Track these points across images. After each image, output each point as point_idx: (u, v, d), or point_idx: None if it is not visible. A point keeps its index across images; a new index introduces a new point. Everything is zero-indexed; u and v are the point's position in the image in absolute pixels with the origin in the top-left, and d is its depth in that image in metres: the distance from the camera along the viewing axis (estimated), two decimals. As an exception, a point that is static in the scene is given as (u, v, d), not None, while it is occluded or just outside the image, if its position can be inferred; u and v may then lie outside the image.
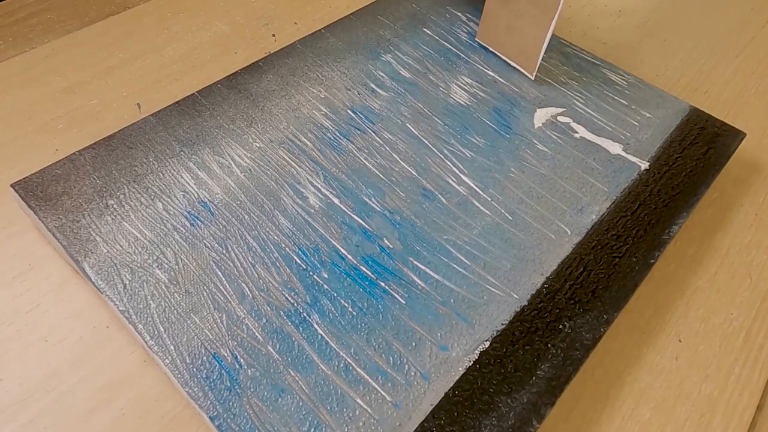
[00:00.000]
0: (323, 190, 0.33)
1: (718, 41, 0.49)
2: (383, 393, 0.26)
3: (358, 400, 0.25)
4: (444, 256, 0.30)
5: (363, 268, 0.30)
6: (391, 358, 0.27)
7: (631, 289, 0.30)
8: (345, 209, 0.32)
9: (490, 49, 0.42)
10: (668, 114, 0.38)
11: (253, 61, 0.39)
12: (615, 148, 0.36)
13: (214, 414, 0.25)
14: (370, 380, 0.26)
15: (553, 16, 0.36)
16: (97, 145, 0.34)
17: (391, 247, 0.31)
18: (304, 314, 0.28)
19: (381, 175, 0.34)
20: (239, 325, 0.27)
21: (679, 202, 0.34)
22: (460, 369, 0.27)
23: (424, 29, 0.43)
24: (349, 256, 0.30)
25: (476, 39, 0.42)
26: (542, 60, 0.41)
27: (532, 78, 0.40)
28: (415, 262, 0.30)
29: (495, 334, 0.28)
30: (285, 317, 0.28)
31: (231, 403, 0.25)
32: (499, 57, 0.42)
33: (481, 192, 0.33)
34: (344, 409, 0.25)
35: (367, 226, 0.31)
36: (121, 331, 0.29)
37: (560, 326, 0.28)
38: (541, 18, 0.37)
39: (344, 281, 0.29)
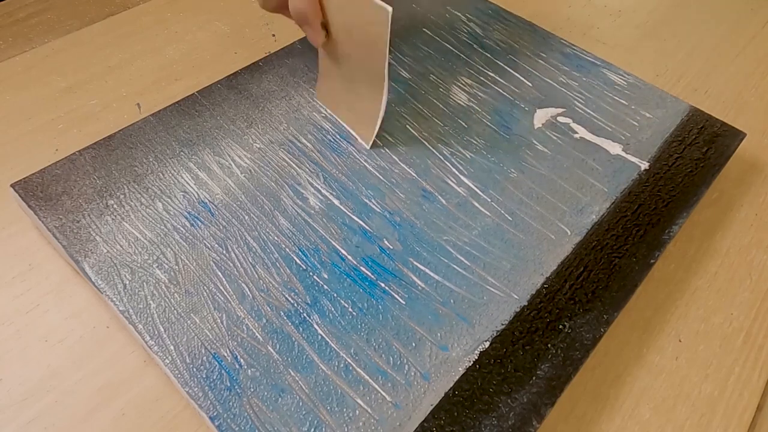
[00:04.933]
0: (323, 191, 0.33)
1: (718, 41, 0.49)
2: (383, 393, 0.26)
3: (358, 400, 0.25)
4: (444, 257, 0.30)
5: (363, 269, 0.30)
6: (391, 358, 0.27)
7: (631, 289, 0.30)
8: (345, 210, 0.32)
9: (329, 111, 0.37)
10: (668, 114, 0.38)
11: (253, 61, 0.39)
12: (615, 148, 0.36)
13: (214, 414, 0.25)
14: (370, 380, 0.26)
15: (383, 78, 0.31)
16: (97, 145, 0.34)
17: (391, 247, 0.31)
18: (304, 314, 0.28)
19: (381, 176, 0.34)
20: (239, 325, 0.27)
21: (679, 202, 0.34)
22: (460, 369, 0.27)
23: (424, 29, 0.43)
24: (349, 257, 0.30)
25: (316, 98, 0.37)
26: (541, 61, 0.41)
27: (368, 147, 0.35)
28: (415, 263, 0.30)
29: (495, 334, 0.28)
30: (285, 317, 0.28)
31: (231, 403, 0.25)
32: (496, 60, 0.42)
33: (480, 193, 0.33)
34: (344, 409, 0.25)
35: (367, 227, 0.31)
36: (121, 331, 0.29)
37: (560, 326, 0.28)
38: (373, 81, 0.32)
39: (344, 282, 0.29)
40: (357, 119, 0.35)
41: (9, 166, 0.35)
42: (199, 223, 0.31)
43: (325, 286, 0.29)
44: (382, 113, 0.33)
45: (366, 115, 0.34)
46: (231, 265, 0.29)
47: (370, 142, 0.35)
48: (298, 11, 0.31)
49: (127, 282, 0.28)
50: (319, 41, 0.33)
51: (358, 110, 0.35)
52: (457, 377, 0.26)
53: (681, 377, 0.30)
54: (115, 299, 0.28)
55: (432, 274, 0.30)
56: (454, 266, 0.30)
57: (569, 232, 0.32)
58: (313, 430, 0.25)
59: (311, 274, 0.29)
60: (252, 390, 0.25)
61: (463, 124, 0.37)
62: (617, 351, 0.30)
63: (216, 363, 0.26)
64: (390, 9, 0.28)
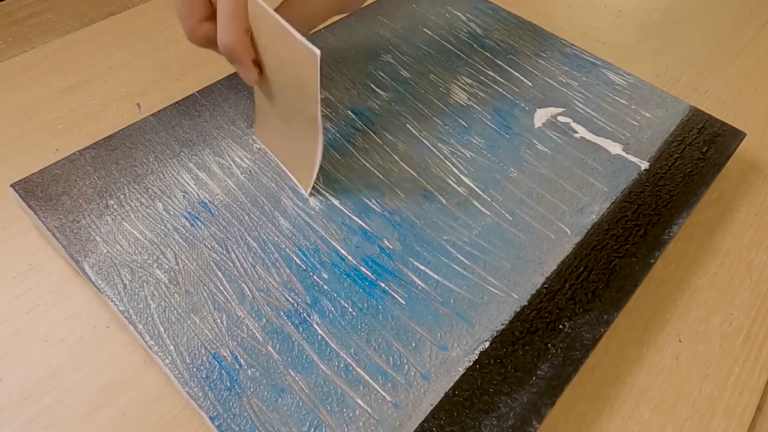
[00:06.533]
0: (323, 190, 0.33)
1: (718, 41, 0.49)
2: (383, 393, 0.26)
3: (358, 400, 0.25)
4: (444, 257, 0.30)
5: (363, 269, 0.30)
6: (391, 358, 0.27)
7: (631, 289, 0.30)
8: (345, 210, 0.32)
9: (269, 152, 0.34)
10: (668, 114, 0.38)
11: (253, 61, 0.39)
12: (615, 148, 0.36)
13: (214, 414, 0.25)
14: (370, 380, 0.26)
15: (317, 124, 0.29)
16: (97, 145, 0.34)
17: (391, 247, 0.31)
18: (304, 314, 0.28)
19: (381, 176, 0.34)
20: (239, 325, 0.27)
21: (679, 202, 0.34)
22: (460, 369, 0.27)
23: (424, 29, 0.43)
24: (349, 257, 0.30)
25: (255, 136, 0.35)
26: (541, 60, 0.41)
27: (307, 195, 0.32)
28: (415, 263, 0.30)
29: (495, 334, 0.28)
30: (285, 317, 0.28)
31: (231, 403, 0.25)
32: (496, 59, 0.42)
33: (480, 192, 0.33)
34: (344, 409, 0.25)
35: (366, 227, 0.31)
36: (121, 331, 0.29)
37: (560, 326, 0.28)
38: (307, 126, 0.30)
39: (344, 282, 0.29)
40: (294, 163, 0.33)
41: (9, 166, 0.35)
42: (199, 224, 0.31)
43: (325, 286, 0.29)
44: (318, 161, 0.30)
45: (303, 161, 0.32)
46: (231, 265, 0.29)
47: (308, 191, 0.32)
48: (227, 47, 0.28)
49: (127, 282, 0.28)
50: (251, 80, 0.30)
51: (294, 154, 0.33)
52: (457, 377, 0.26)
53: (681, 377, 0.30)
54: (115, 299, 0.28)
55: (432, 273, 0.30)
56: (454, 266, 0.30)
57: (569, 232, 0.32)
58: (313, 430, 0.25)
59: (311, 274, 0.29)
60: (252, 390, 0.25)
61: (463, 123, 0.37)
62: (617, 351, 0.30)
63: (216, 363, 0.26)
64: (318, 52, 0.25)
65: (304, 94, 0.28)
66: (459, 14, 0.45)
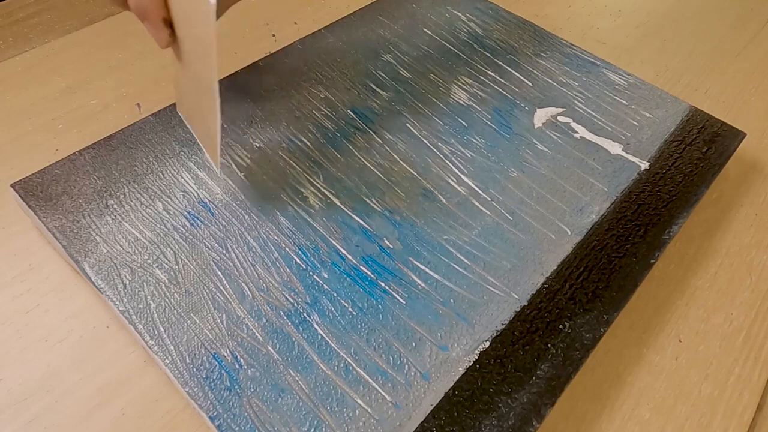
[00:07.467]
0: (323, 189, 0.33)
1: (718, 41, 0.49)
2: (383, 393, 0.26)
3: (358, 400, 0.25)
4: (444, 256, 0.30)
5: (363, 268, 0.30)
6: (391, 358, 0.27)
7: (631, 289, 0.30)
8: (345, 209, 0.32)
9: (187, 125, 0.32)
10: (668, 114, 0.38)
11: (253, 61, 0.39)
12: (615, 148, 0.36)
13: (214, 414, 0.25)
14: (370, 380, 0.26)
15: (214, 89, 0.25)
16: (97, 145, 0.34)
17: (391, 247, 0.31)
18: (304, 314, 0.28)
19: (381, 175, 0.34)
20: (239, 325, 0.27)
21: (679, 202, 0.34)
22: (460, 369, 0.27)
23: (424, 29, 0.43)
24: (349, 256, 0.30)
25: (177, 110, 0.33)
26: (541, 60, 0.41)
27: (218, 172, 0.31)
28: (415, 262, 0.30)
29: (495, 334, 0.28)
30: (285, 317, 0.28)
31: (231, 403, 0.25)
32: (496, 59, 0.42)
33: (481, 192, 0.33)
34: (344, 409, 0.25)
35: (367, 226, 0.31)
36: (121, 331, 0.29)
37: (560, 326, 0.28)
38: (207, 92, 0.26)
39: (344, 281, 0.29)
40: (205, 136, 0.31)
41: (9, 166, 0.35)
42: (199, 223, 0.31)
43: (325, 286, 0.29)
44: (218, 133, 0.27)
45: (209, 133, 0.29)
46: (231, 264, 0.29)
47: (217, 166, 0.31)
48: (138, 3, 0.26)
49: (127, 282, 0.28)
50: (162, 41, 0.27)
51: (204, 126, 0.30)
52: (457, 377, 0.26)
53: (681, 377, 0.30)
54: (115, 299, 0.28)
55: (432, 273, 0.30)
56: (454, 265, 0.30)
57: (569, 232, 0.32)
58: (313, 430, 0.25)
59: (311, 273, 0.29)
60: (252, 390, 0.25)
61: (464, 123, 0.37)
62: (617, 351, 0.30)
63: (216, 363, 0.26)
64: (213, 2, 0.22)
65: (202, 55, 0.25)
66: (459, 14, 0.45)
